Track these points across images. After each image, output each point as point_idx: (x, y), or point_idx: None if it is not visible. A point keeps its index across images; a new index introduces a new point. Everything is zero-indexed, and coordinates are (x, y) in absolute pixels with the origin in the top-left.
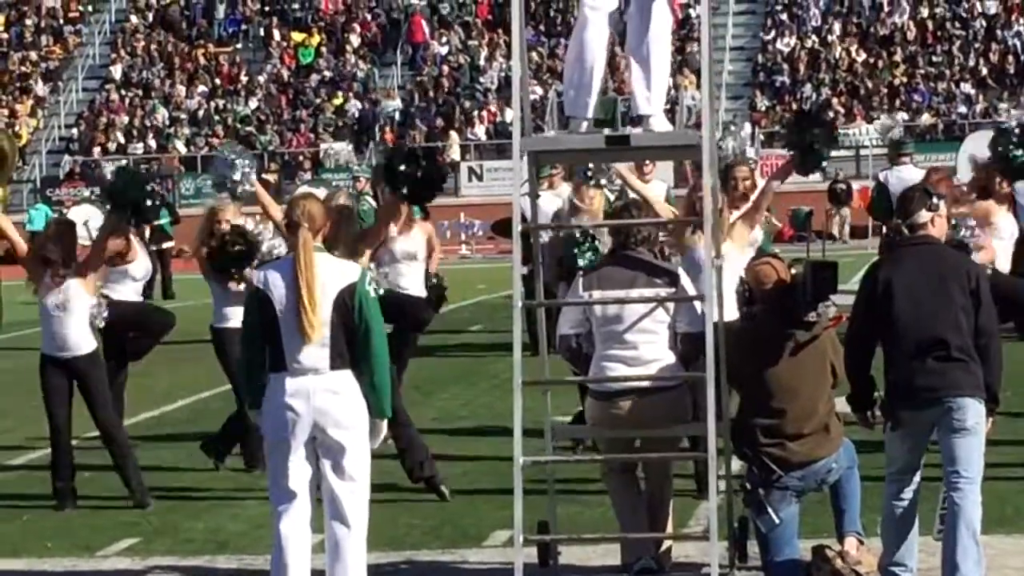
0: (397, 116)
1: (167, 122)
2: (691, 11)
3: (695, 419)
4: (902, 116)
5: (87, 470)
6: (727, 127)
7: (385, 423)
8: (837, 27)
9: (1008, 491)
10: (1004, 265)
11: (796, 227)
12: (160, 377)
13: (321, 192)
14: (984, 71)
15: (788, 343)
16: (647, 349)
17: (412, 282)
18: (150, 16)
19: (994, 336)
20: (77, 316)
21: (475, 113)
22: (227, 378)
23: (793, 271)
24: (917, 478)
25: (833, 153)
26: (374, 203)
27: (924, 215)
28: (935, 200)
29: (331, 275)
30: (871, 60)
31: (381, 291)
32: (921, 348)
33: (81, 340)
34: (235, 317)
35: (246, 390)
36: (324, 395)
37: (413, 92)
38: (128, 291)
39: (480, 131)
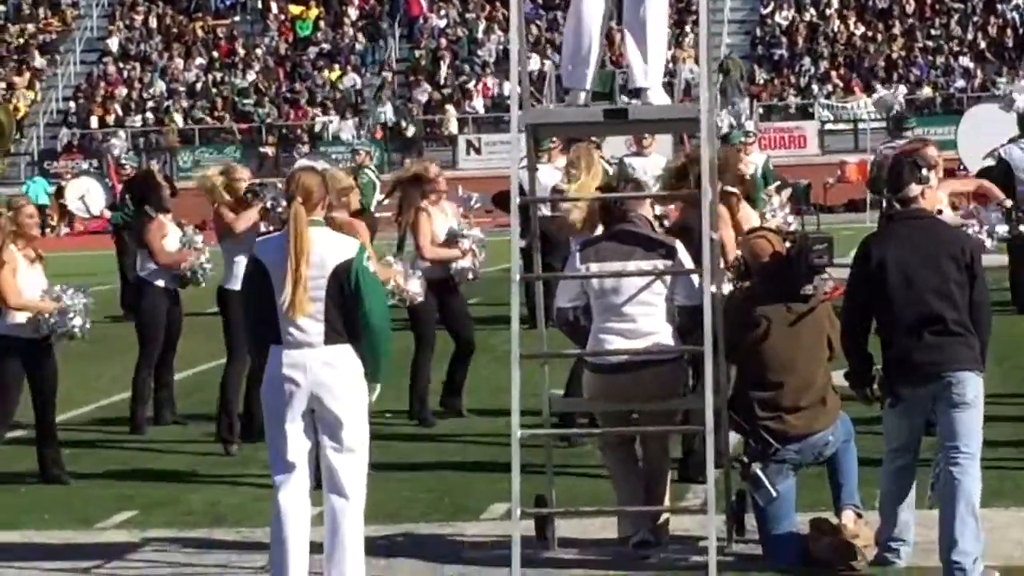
0: (391, 118)
1: (165, 95)
2: None
3: (693, 392)
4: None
5: (81, 446)
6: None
7: (377, 387)
8: (835, 0)
9: (1007, 464)
10: None
11: (795, 200)
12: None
13: (320, 165)
14: (983, 44)
15: (786, 316)
16: (645, 322)
17: None
18: None
19: (987, 310)
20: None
21: (473, 86)
22: (224, 339)
23: (789, 244)
24: (915, 454)
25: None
26: (375, 177)
27: (914, 188)
28: (925, 172)
29: (328, 249)
30: (869, 33)
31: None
32: (917, 323)
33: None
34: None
35: (258, 365)
36: (321, 368)
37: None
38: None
39: (478, 104)
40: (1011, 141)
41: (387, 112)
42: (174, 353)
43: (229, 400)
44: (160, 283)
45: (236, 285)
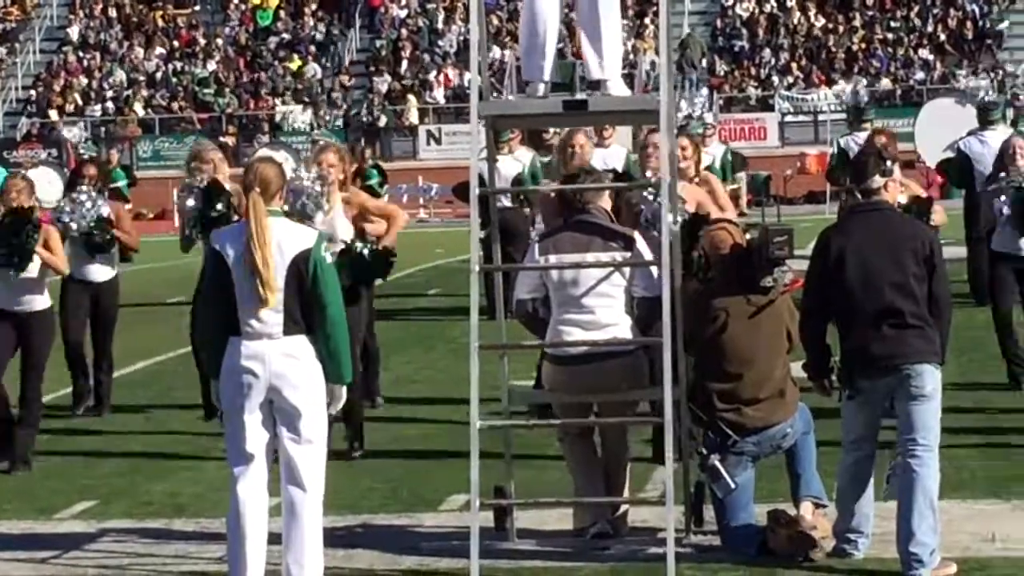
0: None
1: (125, 84)
2: None
3: (652, 383)
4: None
5: (45, 433)
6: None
7: (344, 389)
8: None
9: (964, 456)
10: None
11: (754, 192)
12: (119, 341)
13: (280, 155)
14: (942, 37)
15: (745, 308)
16: (604, 313)
17: None
18: None
19: (948, 303)
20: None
21: (433, 76)
22: None
23: (749, 236)
24: (874, 446)
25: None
26: None
27: (878, 180)
28: (889, 164)
29: (286, 240)
30: (830, 25)
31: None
32: (876, 316)
33: (101, 268)
34: None
35: (205, 358)
36: (280, 359)
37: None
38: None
39: (439, 95)
40: (970, 134)
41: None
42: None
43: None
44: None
45: None
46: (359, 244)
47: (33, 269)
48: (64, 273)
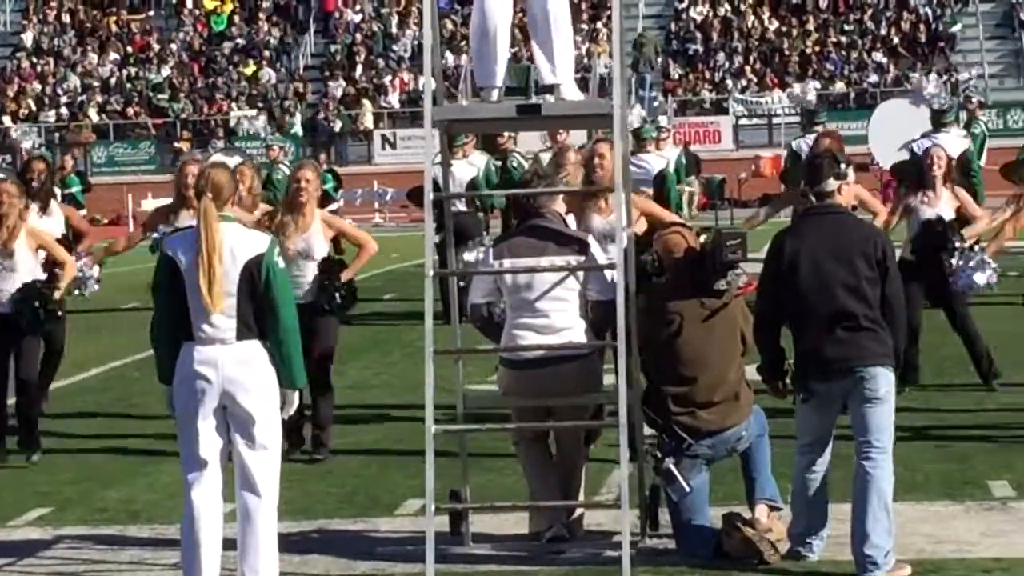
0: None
1: (79, 90)
2: None
3: (604, 387)
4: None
5: None
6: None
7: (297, 394)
8: None
9: (918, 459)
10: None
11: (709, 195)
12: (75, 346)
13: (234, 160)
14: (895, 40)
15: (699, 311)
16: (558, 317)
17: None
18: None
19: (900, 306)
20: (21, 273)
21: (388, 81)
22: None
23: (702, 239)
24: (828, 449)
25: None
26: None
27: (832, 183)
28: (843, 167)
29: (239, 245)
30: (784, 28)
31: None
32: (829, 319)
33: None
34: None
35: (156, 363)
36: (233, 365)
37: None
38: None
39: (393, 99)
40: (924, 135)
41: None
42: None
43: None
44: None
45: None
46: (330, 296)
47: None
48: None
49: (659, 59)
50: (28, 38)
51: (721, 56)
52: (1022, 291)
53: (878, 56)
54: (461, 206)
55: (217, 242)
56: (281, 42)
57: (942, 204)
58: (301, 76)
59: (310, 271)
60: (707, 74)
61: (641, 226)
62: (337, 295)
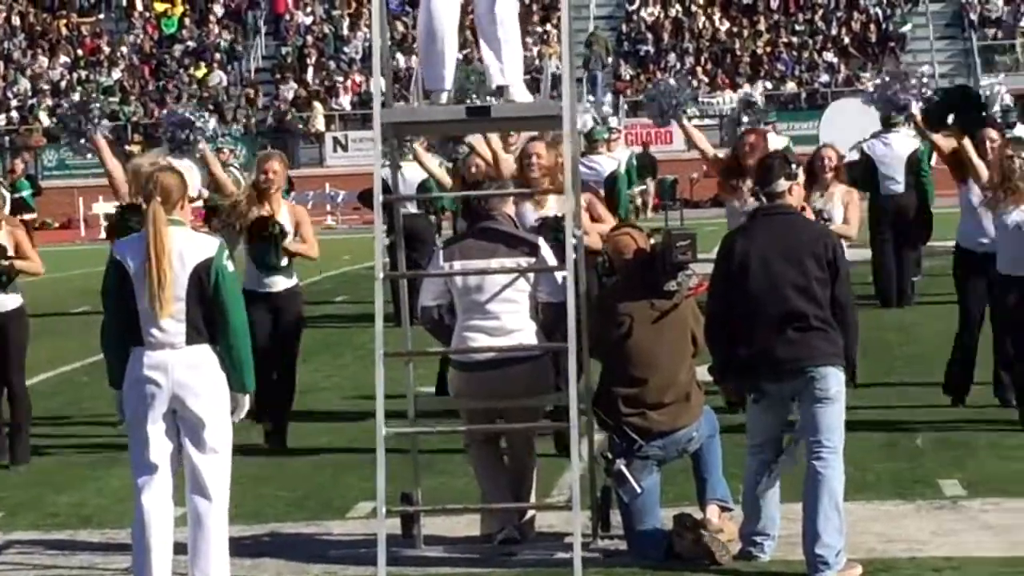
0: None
1: (29, 93)
2: None
3: (557, 389)
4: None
5: None
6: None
7: (247, 397)
8: None
9: (869, 458)
10: None
11: (661, 196)
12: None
13: (184, 163)
14: (846, 40)
15: (649, 312)
16: (509, 319)
17: None
18: None
19: (850, 306)
20: None
21: (340, 83)
22: None
23: (653, 240)
24: (778, 449)
25: (697, 123)
26: (239, 174)
27: (783, 184)
28: (794, 168)
29: (188, 248)
30: (735, 29)
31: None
32: (779, 320)
33: (7, 297)
34: None
35: (107, 368)
36: (182, 369)
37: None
38: None
39: (345, 101)
40: (874, 136)
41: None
42: None
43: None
44: None
45: None
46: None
47: None
48: (41, 273)
49: (610, 58)
50: None
51: (672, 57)
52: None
53: (829, 56)
54: (412, 208)
55: (166, 246)
56: (232, 44)
57: (834, 204)
58: (252, 79)
59: None
60: (658, 75)
61: (595, 241)
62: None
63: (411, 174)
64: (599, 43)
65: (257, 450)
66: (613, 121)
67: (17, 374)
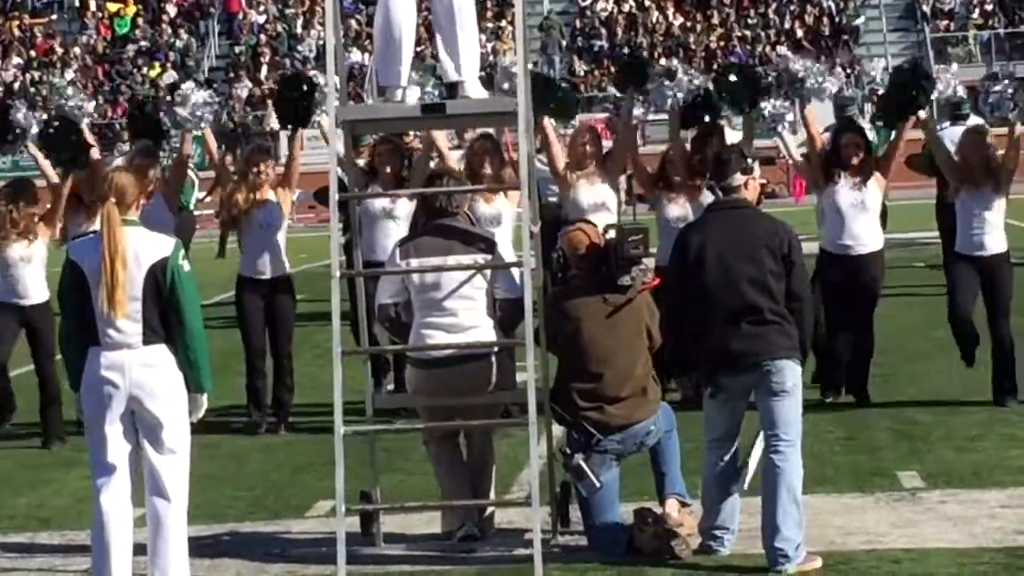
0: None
1: None
2: None
3: (515, 385)
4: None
5: None
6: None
7: (205, 397)
8: None
9: (828, 451)
10: None
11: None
12: None
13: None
14: (799, 33)
15: (603, 307)
16: (466, 316)
17: None
18: None
19: (806, 300)
20: (36, 266)
21: None
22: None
23: (607, 236)
24: (736, 443)
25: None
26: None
27: (739, 178)
28: (750, 162)
29: (143, 249)
30: (688, 23)
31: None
32: (734, 313)
33: (38, 291)
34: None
35: (67, 369)
36: (139, 369)
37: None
38: None
39: None
40: (827, 130)
41: None
42: None
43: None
44: None
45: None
46: None
47: (37, 264)
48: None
49: (565, 41)
50: None
51: (626, 52)
52: (928, 282)
53: (783, 50)
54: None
55: (120, 247)
56: (185, 44)
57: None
58: (206, 78)
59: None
60: (612, 70)
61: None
62: None
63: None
64: (555, 27)
65: (216, 450)
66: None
67: (46, 361)
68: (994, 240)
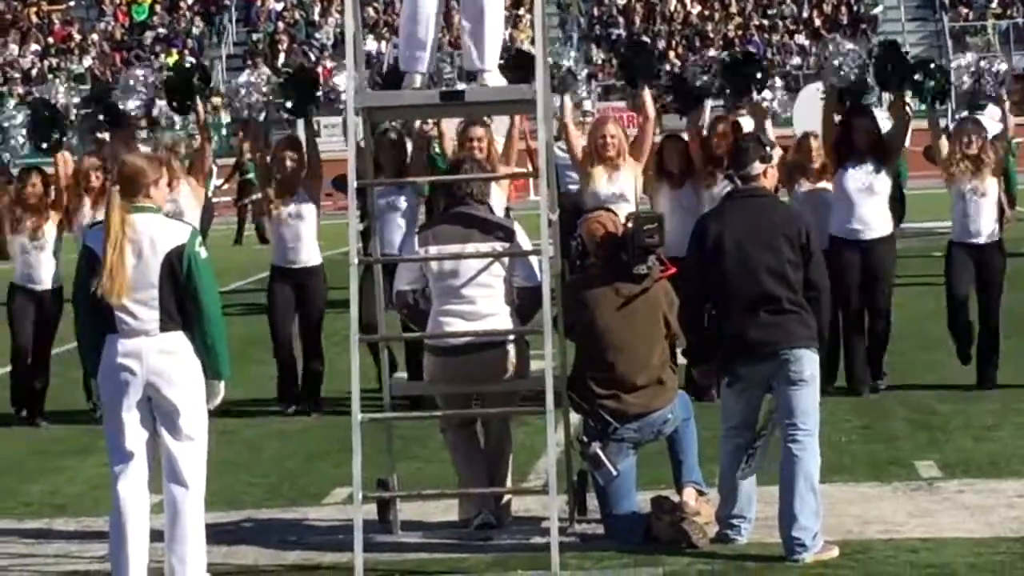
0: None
1: (1, 81)
2: None
3: (530, 373)
4: None
5: None
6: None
7: (223, 384)
8: None
9: (845, 440)
10: None
11: None
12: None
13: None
14: (818, 22)
15: (620, 296)
16: (484, 303)
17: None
18: None
19: (824, 289)
20: (49, 252)
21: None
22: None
23: (627, 225)
24: (753, 431)
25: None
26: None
27: (758, 166)
28: (768, 151)
29: (159, 236)
30: (706, 12)
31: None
32: (753, 302)
33: (52, 277)
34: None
35: (84, 356)
36: (157, 356)
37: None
38: None
39: None
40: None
41: None
42: None
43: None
44: None
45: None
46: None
47: (49, 251)
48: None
49: (583, 20)
50: None
51: (623, 49)
52: (941, 271)
53: (801, 39)
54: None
55: (114, 232)
56: (203, 31)
57: None
58: (224, 65)
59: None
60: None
61: None
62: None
63: None
64: (573, 3)
65: (233, 437)
66: (587, 104)
67: (48, 345)
68: (988, 227)
